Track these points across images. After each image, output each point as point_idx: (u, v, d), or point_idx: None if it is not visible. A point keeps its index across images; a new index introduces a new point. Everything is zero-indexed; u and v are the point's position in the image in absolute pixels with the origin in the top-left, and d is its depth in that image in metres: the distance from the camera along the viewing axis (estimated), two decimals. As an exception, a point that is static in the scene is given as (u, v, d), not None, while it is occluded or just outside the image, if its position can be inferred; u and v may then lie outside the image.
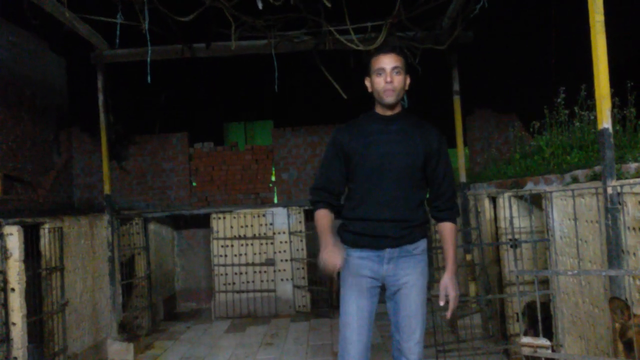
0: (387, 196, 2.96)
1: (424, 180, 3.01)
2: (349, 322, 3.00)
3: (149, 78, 5.88)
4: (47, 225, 5.24)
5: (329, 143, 3.14)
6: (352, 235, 3.04)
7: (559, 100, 5.02)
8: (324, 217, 3.03)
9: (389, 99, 2.96)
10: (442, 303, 2.95)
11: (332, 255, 2.80)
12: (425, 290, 3.05)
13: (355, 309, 3.01)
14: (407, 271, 2.99)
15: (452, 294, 2.93)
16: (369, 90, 3.06)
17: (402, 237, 2.97)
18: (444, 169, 3.00)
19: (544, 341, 3.05)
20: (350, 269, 3.04)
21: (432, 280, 7.17)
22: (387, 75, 2.94)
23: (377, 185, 2.96)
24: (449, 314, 2.97)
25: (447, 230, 3.01)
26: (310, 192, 3.13)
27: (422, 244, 3.05)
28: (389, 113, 3.03)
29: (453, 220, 3.01)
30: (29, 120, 7.64)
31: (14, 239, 4.60)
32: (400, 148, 2.97)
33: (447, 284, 2.95)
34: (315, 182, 3.13)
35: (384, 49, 3.01)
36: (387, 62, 2.96)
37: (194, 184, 9.22)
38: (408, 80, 3.05)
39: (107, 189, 6.72)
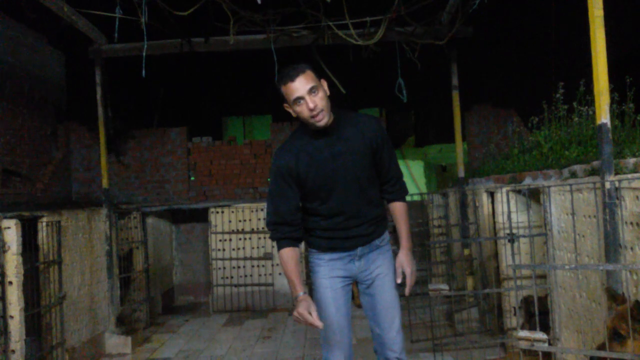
0: (350, 206, 2.94)
1: (376, 172, 3.03)
2: (330, 323, 2.98)
3: (143, 72, 5.86)
4: (44, 219, 5.24)
5: (274, 172, 2.93)
6: (321, 242, 3.04)
7: (557, 95, 5.02)
8: (290, 258, 2.92)
9: (322, 122, 2.79)
10: (399, 281, 3.01)
11: (304, 313, 2.66)
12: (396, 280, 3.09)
13: (334, 310, 3.02)
14: (377, 263, 3.06)
15: (408, 269, 2.99)
16: (293, 115, 2.85)
17: (371, 234, 3.05)
18: (389, 155, 3.01)
19: (540, 335, 3.06)
20: (322, 273, 3.06)
21: (431, 275, 7.19)
22: (308, 102, 2.74)
23: (338, 199, 2.92)
24: (407, 291, 2.97)
25: (397, 208, 3.06)
26: (269, 229, 3.00)
27: (386, 235, 3.13)
28: (324, 123, 2.83)
29: (402, 199, 3.04)
30: (27, 114, 7.63)
31: (12, 232, 4.60)
32: (348, 157, 2.88)
33: (403, 261, 3.02)
34: (270, 217, 2.97)
35: (290, 76, 2.74)
36: (300, 87, 2.73)
37: (193, 178, 9.22)
38: (325, 84, 2.85)
39: (105, 183, 6.71)
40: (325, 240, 3.03)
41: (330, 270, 3.04)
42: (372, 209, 3.02)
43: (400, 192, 3.07)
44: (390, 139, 3.05)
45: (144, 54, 6.03)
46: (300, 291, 2.79)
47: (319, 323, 2.63)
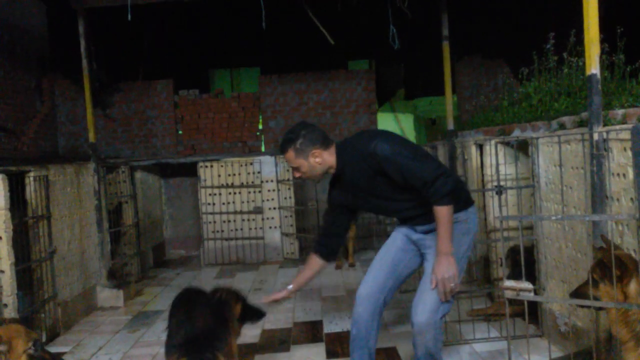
0: (389, 213, 3.46)
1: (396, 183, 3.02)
2: (373, 262, 3.31)
3: (129, 16, 5.68)
4: (32, 174, 5.19)
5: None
6: None
7: (548, 46, 4.97)
8: (310, 260, 3.43)
9: (312, 181, 3.42)
10: (432, 286, 2.99)
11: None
12: (457, 259, 3.03)
13: (382, 252, 3.32)
14: (431, 242, 3.11)
15: (439, 275, 2.95)
16: None
17: (427, 220, 3.08)
18: (398, 173, 2.94)
19: (526, 285, 3.11)
20: (395, 228, 3.38)
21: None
22: (294, 172, 3.18)
23: (374, 212, 3.70)
24: (441, 297, 2.97)
25: (435, 212, 2.95)
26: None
27: (459, 216, 3.06)
28: (332, 170, 3.17)
29: (437, 203, 2.91)
30: (9, 66, 7.47)
31: (-1, 187, 4.57)
32: (358, 192, 3.15)
33: (434, 266, 2.99)
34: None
35: (281, 150, 3.16)
36: (287, 162, 3.18)
37: (180, 132, 9.14)
38: (313, 155, 3.07)
39: (92, 136, 6.63)
40: None
41: (399, 226, 3.33)
42: (418, 208, 3.09)
43: (433, 196, 2.90)
44: (397, 152, 2.95)
45: (129, 1, 5.85)
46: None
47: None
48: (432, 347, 3.05)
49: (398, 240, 3.29)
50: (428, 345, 3.04)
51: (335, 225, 3.34)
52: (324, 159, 3.09)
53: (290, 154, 3.08)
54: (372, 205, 3.22)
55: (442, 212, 2.90)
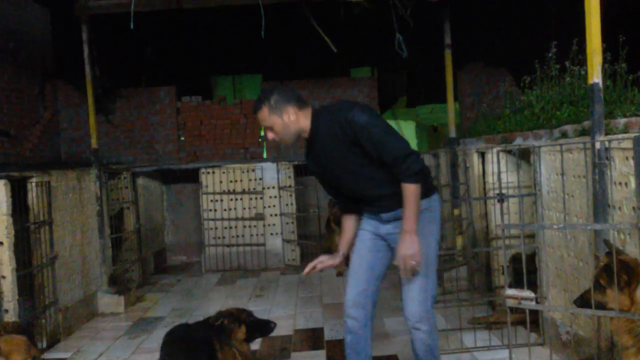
0: (356, 191, 3.16)
1: (370, 157, 2.99)
2: (351, 268, 3.28)
3: (131, 24, 5.71)
4: (34, 179, 5.20)
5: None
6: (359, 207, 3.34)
7: (550, 54, 4.98)
8: (344, 221, 3.40)
9: (285, 143, 3.27)
10: (395, 263, 3.02)
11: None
12: (426, 248, 3.03)
13: (357, 257, 3.26)
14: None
15: (400, 253, 2.94)
16: None
17: (392, 205, 3.07)
18: (371, 144, 2.92)
19: (528, 293, 3.10)
20: (360, 225, 3.33)
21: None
22: (267, 133, 3.12)
23: (343, 188, 3.20)
24: (401, 274, 2.98)
25: (402, 190, 2.95)
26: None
27: (422, 203, 3.02)
28: (305, 134, 3.12)
29: (406, 180, 2.91)
30: (13, 73, 7.50)
31: (1, 192, 4.57)
32: (328, 159, 3.09)
33: (398, 244, 2.97)
34: None
35: (253, 110, 3.09)
36: (259, 121, 3.13)
37: (182, 138, 9.15)
38: (286, 112, 3.02)
39: (94, 142, 6.64)
40: (359, 205, 3.30)
41: (364, 224, 3.29)
42: (387, 187, 3.03)
43: (401, 174, 2.91)
44: (373, 123, 2.94)
45: (132, 9, 5.88)
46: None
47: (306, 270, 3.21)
48: (430, 341, 3.09)
49: (367, 241, 3.24)
50: (426, 339, 3.07)
51: (339, 194, 3.31)
52: (298, 119, 3.04)
53: (264, 111, 3.01)
54: (340, 181, 3.14)
55: (411, 189, 2.93)
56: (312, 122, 3.07)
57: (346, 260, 3.34)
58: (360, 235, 3.28)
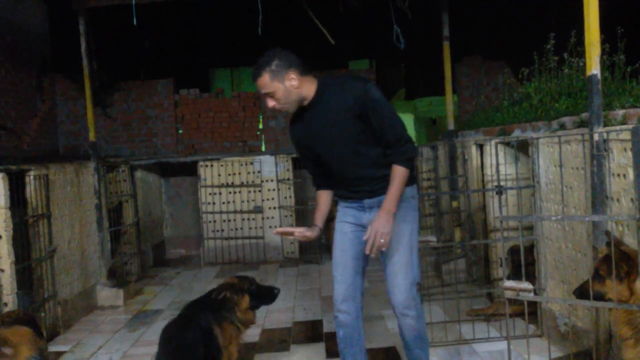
0: (348, 169, 3.07)
1: (371, 135, 2.97)
2: (335, 262, 3.23)
3: (134, 20, 5.70)
4: (32, 173, 5.19)
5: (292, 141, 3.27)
6: (337, 191, 3.27)
7: (548, 46, 4.97)
8: (319, 196, 3.30)
9: (285, 111, 3.09)
10: (364, 237, 2.92)
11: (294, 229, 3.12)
12: (410, 235, 3.08)
13: (339, 251, 3.22)
14: None
15: (373, 227, 2.87)
16: None
17: (377, 190, 3.05)
18: (379, 119, 2.90)
19: (526, 285, 3.12)
20: (338, 217, 3.27)
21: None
22: (267, 102, 3.00)
23: (334, 164, 3.09)
24: (367, 249, 2.89)
25: (392, 171, 2.94)
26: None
27: (407, 190, 3.05)
28: (306, 102, 3.02)
29: (399, 162, 2.92)
30: (11, 66, 7.47)
31: (-1, 186, 4.57)
32: (331, 129, 2.98)
33: (373, 219, 2.94)
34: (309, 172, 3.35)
35: (253, 76, 2.98)
36: (260, 88, 2.98)
37: (180, 131, 9.14)
38: (288, 76, 2.92)
39: (92, 136, 6.63)
40: (338, 190, 3.24)
41: (343, 216, 3.24)
42: (375, 169, 3.02)
43: (397, 155, 2.91)
44: (384, 101, 2.94)
45: (133, 2, 5.85)
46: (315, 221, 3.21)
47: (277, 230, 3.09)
48: (418, 326, 3.12)
49: (349, 233, 3.19)
50: (414, 324, 3.10)
51: (321, 173, 3.25)
52: (300, 84, 2.94)
53: (265, 77, 2.90)
54: (330, 155, 3.06)
55: (401, 171, 2.93)
56: (317, 88, 3.00)
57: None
58: (341, 228, 3.22)
